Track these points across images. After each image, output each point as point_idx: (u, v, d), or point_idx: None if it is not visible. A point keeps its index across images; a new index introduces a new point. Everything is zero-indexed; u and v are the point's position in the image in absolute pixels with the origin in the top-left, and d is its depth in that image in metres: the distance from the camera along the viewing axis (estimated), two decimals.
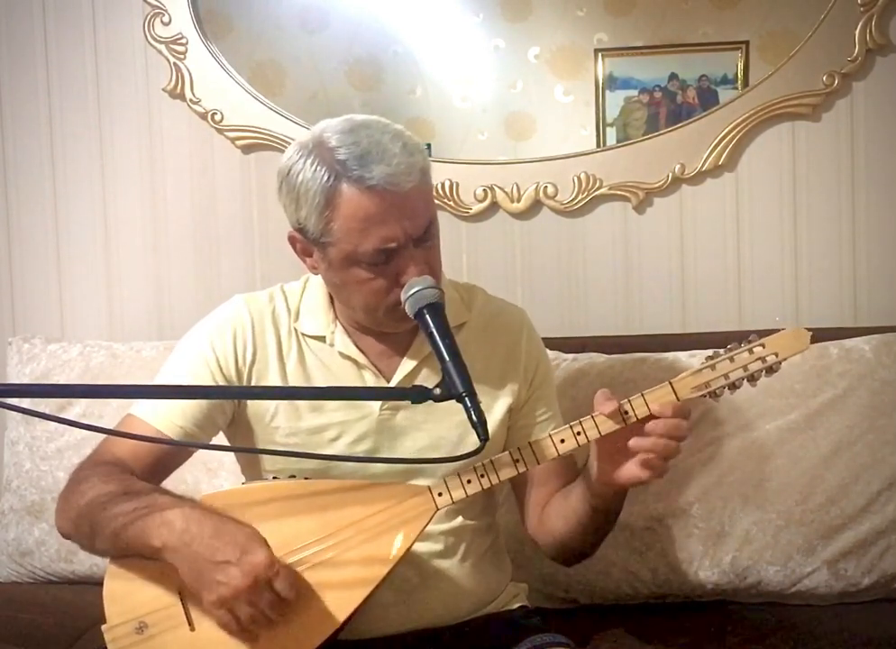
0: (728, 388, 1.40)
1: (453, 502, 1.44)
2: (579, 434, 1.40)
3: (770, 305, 2.22)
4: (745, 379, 1.40)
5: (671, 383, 1.40)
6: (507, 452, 1.44)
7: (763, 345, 1.39)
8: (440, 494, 1.43)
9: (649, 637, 1.81)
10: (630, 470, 1.40)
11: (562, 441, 1.42)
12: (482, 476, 1.43)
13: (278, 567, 1.32)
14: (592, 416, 1.40)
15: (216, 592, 1.31)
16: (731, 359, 1.40)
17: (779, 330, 1.42)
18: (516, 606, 1.65)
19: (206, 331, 1.58)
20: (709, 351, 1.95)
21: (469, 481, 1.43)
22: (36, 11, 2.34)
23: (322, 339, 1.56)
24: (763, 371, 1.39)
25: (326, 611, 1.37)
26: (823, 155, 2.19)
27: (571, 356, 2.03)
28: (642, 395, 1.40)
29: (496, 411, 1.57)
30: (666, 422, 1.37)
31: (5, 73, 2.36)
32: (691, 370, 1.41)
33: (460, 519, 1.57)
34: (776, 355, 1.39)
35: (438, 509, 1.43)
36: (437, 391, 1.34)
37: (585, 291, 2.26)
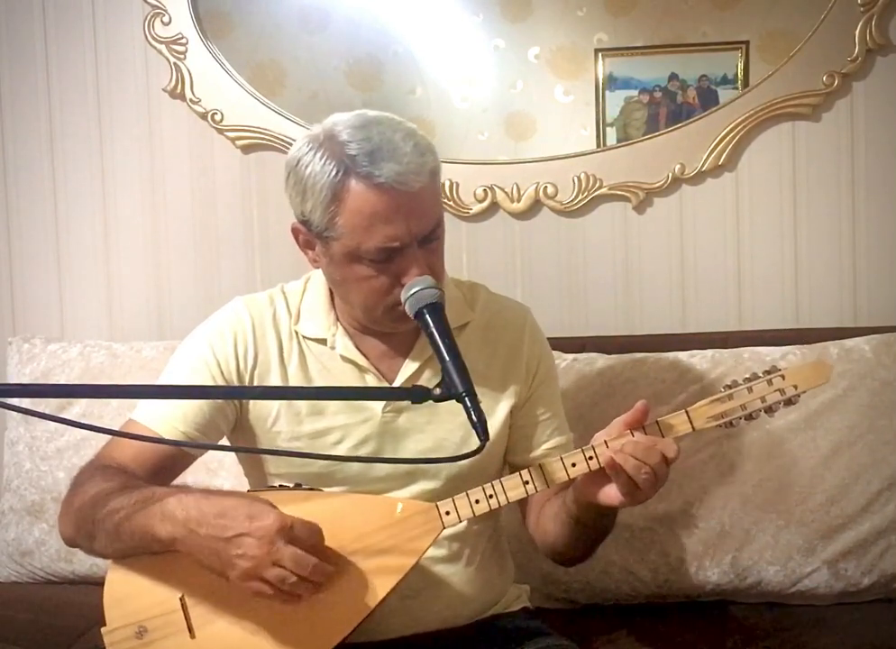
0: (745, 419, 1.38)
1: (461, 521, 1.42)
2: (591, 458, 1.38)
3: (770, 305, 2.21)
4: (763, 411, 1.37)
5: (687, 412, 1.38)
6: (516, 474, 1.42)
7: (782, 377, 1.37)
8: (447, 513, 1.41)
9: (649, 637, 1.81)
10: (609, 492, 1.38)
11: (574, 465, 1.40)
12: (490, 496, 1.41)
13: (290, 520, 1.31)
14: (605, 442, 1.38)
15: (239, 567, 1.30)
16: (749, 389, 1.37)
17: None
18: (518, 608, 1.65)
19: (207, 334, 1.56)
20: (709, 351, 1.98)
21: (477, 501, 1.41)
22: (36, 11, 2.34)
23: (323, 342, 1.55)
24: (781, 403, 1.37)
25: (330, 624, 1.37)
26: (823, 155, 2.19)
27: (571, 356, 2.03)
28: (657, 422, 1.38)
29: (499, 411, 1.57)
30: (636, 442, 1.34)
31: (5, 73, 2.36)
32: (709, 399, 1.38)
33: (464, 524, 1.54)
34: (795, 387, 1.37)
35: (445, 527, 1.42)
36: (437, 391, 1.33)
37: (585, 291, 2.26)
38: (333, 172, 1.39)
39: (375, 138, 1.39)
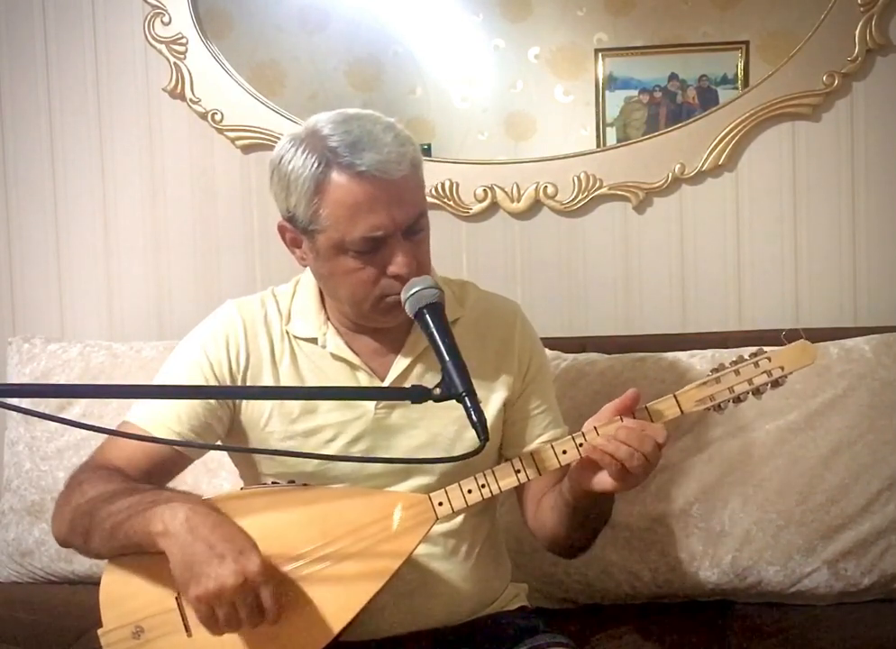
0: (733, 402, 1.39)
1: (454, 512, 1.43)
2: (581, 445, 1.39)
3: (770, 305, 2.21)
4: (750, 393, 1.38)
5: (675, 396, 1.39)
6: (508, 462, 1.43)
7: (769, 359, 1.38)
8: (440, 503, 1.42)
9: (649, 637, 1.81)
10: (603, 478, 1.38)
11: (564, 452, 1.41)
12: (483, 486, 1.41)
13: (269, 577, 1.31)
14: (595, 428, 1.39)
15: (204, 585, 1.29)
16: (736, 372, 1.38)
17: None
18: (515, 606, 1.65)
19: (199, 338, 1.58)
20: (709, 351, 1.98)
21: (469, 491, 1.41)
22: (36, 11, 2.34)
23: (314, 341, 1.55)
24: (769, 385, 1.38)
25: (323, 619, 1.36)
26: (823, 155, 2.19)
27: (571, 356, 2.03)
28: (645, 407, 1.39)
29: (492, 406, 1.57)
30: (628, 428, 1.35)
31: (5, 73, 2.36)
32: (696, 383, 1.40)
33: (460, 520, 1.56)
34: (782, 369, 1.38)
35: (438, 519, 1.42)
36: (437, 391, 1.34)
37: (585, 291, 2.26)
38: (315, 164, 1.40)
39: (355, 131, 1.41)
